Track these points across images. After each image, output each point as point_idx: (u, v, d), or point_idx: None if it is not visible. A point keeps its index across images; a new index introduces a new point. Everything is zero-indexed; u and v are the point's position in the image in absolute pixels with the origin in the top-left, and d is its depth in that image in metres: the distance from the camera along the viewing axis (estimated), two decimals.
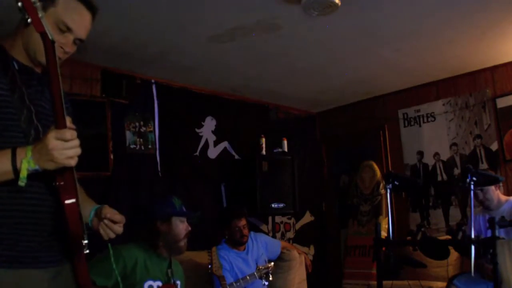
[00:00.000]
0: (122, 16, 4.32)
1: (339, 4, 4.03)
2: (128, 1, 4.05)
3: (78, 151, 1.77)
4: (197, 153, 6.14)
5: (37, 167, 1.75)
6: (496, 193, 4.62)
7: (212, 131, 6.30)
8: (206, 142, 6.23)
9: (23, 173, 1.73)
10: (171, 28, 4.60)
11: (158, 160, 5.67)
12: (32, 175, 1.79)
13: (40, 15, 1.73)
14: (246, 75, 5.98)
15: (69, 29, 2.04)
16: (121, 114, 5.44)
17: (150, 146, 5.62)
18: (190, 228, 3.81)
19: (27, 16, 1.73)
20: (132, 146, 5.49)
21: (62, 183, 1.83)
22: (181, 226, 3.76)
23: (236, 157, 6.51)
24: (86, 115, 5.08)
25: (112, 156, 5.25)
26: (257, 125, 6.74)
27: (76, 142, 1.76)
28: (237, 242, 4.94)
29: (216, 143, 6.33)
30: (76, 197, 1.85)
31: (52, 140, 1.71)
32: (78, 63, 5.15)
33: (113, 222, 2.10)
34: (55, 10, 2.00)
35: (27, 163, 1.73)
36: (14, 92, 1.91)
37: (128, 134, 5.48)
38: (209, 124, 6.29)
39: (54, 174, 1.82)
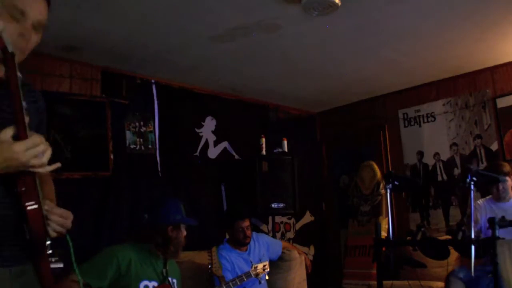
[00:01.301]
0: (122, 16, 4.32)
1: (339, 4, 4.03)
2: (128, 1, 4.06)
3: (47, 155, 1.75)
4: (197, 153, 6.15)
5: None
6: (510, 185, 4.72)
7: (212, 131, 6.31)
8: (206, 142, 6.24)
9: None
10: (171, 28, 4.60)
11: (158, 160, 5.67)
12: None
13: (0, 28, 1.73)
14: (246, 75, 5.98)
15: (23, 14, 1.89)
16: (121, 114, 5.43)
17: (150, 146, 5.63)
18: (184, 233, 3.81)
19: None
20: (132, 146, 5.49)
21: (23, 188, 1.79)
22: (184, 232, 3.78)
23: (236, 157, 6.52)
24: (86, 115, 5.08)
25: (112, 156, 5.24)
26: (257, 125, 6.74)
27: (43, 146, 1.73)
28: (240, 243, 4.92)
29: (216, 143, 6.34)
30: (39, 202, 1.81)
31: (18, 152, 1.68)
32: (78, 63, 5.16)
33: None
34: None
35: None
36: None
37: (128, 134, 5.48)
38: (209, 124, 6.30)
39: (14, 180, 1.78)
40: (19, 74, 1.97)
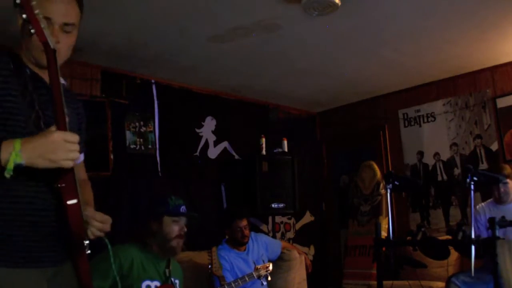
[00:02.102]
0: (122, 16, 4.31)
1: (339, 4, 4.03)
2: (128, 1, 4.05)
3: (77, 155, 1.80)
4: (197, 153, 6.15)
5: (22, 161, 1.74)
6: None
7: (212, 131, 6.31)
8: (206, 142, 6.25)
9: (10, 165, 1.71)
10: (171, 28, 4.60)
11: (158, 160, 5.68)
12: (28, 173, 1.80)
13: (42, 25, 1.80)
14: (246, 75, 5.98)
15: (48, 19, 1.96)
16: (121, 114, 5.44)
17: (150, 146, 5.63)
18: (185, 229, 3.74)
19: (30, 27, 1.80)
20: (132, 146, 5.50)
21: (64, 184, 1.84)
22: (173, 226, 3.68)
23: (236, 157, 6.52)
24: (86, 115, 5.06)
25: (112, 156, 5.26)
26: (257, 125, 6.75)
27: (77, 146, 1.80)
28: (238, 243, 4.92)
29: (216, 143, 6.34)
30: (78, 198, 1.86)
31: (58, 138, 1.75)
32: (78, 63, 5.15)
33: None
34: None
35: (15, 155, 1.72)
36: (24, 98, 1.94)
37: (128, 134, 5.49)
38: (209, 124, 6.30)
39: (53, 175, 1.83)
40: (62, 80, 2.05)
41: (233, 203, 6.09)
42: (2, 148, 1.74)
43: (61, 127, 1.79)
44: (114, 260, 3.41)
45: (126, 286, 3.46)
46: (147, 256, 3.65)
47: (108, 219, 2.14)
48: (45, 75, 2.04)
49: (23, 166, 1.75)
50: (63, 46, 2.06)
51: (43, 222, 1.96)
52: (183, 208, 3.77)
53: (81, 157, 2.43)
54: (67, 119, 1.83)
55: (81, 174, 2.45)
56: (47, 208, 1.95)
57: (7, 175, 1.72)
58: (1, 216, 1.89)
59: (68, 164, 1.78)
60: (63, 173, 1.83)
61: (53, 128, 1.79)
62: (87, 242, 2.02)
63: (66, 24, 2.06)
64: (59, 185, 1.85)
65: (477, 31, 4.91)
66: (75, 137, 1.79)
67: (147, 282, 3.55)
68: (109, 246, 2.15)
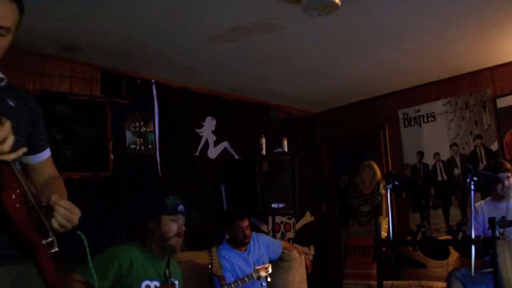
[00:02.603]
0: (122, 16, 4.32)
1: (339, 4, 4.03)
2: (128, 1, 4.05)
3: (9, 141, 1.67)
4: (197, 153, 6.14)
5: None
6: None
7: (212, 131, 6.30)
8: (206, 142, 6.24)
9: None
10: (171, 28, 4.60)
11: (158, 160, 5.67)
12: None
13: None
14: (246, 75, 5.98)
15: None
16: (121, 114, 5.44)
17: (150, 146, 5.63)
18: (184, 228, 3.74)
19: None
20: (132, 146, 5.49)
21: (5, 179, 1.75)
22: (171, 225, 3.67)
23: (236, 157, 6.51)
24: (86, 115, 5.08)
25: (112, 156, 5.24)
26: (257, 125, 6.75)
27: (6, 131, 1.66)
28: (239, 243, 4.93)
29: (216, 143, 6.33)
30: (17, 192, 1.77)
31: None
32: (78, 63, 5.16)
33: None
34: None
35: None
36: None
37: (128, 134, 5.48)
38: (209, 124, 6.29)
39: None
40: (2, 75, 2.05)
41: (234, 203, 6.09)
42: None
43: None
44: (113, 260, 3.46)
45: (125, 286, 3.48)
46: (146, 256, 3.65)
47: (75, 209, 2.00)
48: None
49: None
50: None
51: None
52: (181, 207, 3.77)
53: (46, 153, 2.34)
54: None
55: (49, 170, 2.36)
56: None
57: None
58: None
59: (7, 158, 1.69)
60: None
61: None
62: (50, 239, 1.94)
63: (0, 27, 1.94)
64: (2, 180, 1.75)
65: (477, 31, 4.90)
66: None
67: (147, 282, 3.56)
68: (85, 242, 2.06)
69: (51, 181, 2.30)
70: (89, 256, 2.12)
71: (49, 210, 1.95)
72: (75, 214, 2.00)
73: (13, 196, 1.75)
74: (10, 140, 1.67)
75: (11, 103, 2.07)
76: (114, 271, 3.45)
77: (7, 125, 1.66)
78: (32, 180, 2.28)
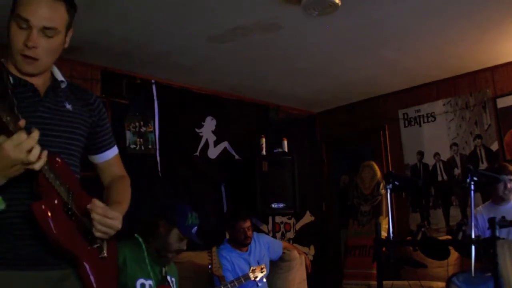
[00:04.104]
0: (122, 16, 4.32)
1: (339, 4, 4.02)
2: (128, 1, 4.05)
3: (36, 151, 1.71)
4: (197, 153, 6.13)
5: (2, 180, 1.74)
6: None
7: (212, 131, 6.29)
8: (206, 142, 6.23)
9: None
10: (171, 28, 4.60)
11: (158, 160, 5.66)
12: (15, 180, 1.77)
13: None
14: (247, 75, 5.99)
15: (26, 21, 1.91)
16: (121, 114, 5.44)
17: (150, 146, 5.62)
18: (184, 248, 3.69)
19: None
20: (132, 146, 5.48)
21: (41, 188, 1.80)
22: (178, 241, 3.62)
23: (236, 157, 6.50)
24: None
25: None
26: (257, 125, 6.74)
27: (33, 142, 1.71)
28: (241, 243, 4.93)
29: (216, 143, 6.32)
30: (53, 201, 1.80)
31: (7, 149, 1.67)
32: (78, 63, 5.15)
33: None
34: (15, 7, 1.96)
35: None
36: (3, 102, 1.84)
37: (128, 134, 5.48)
38: (209, 124, 6.28)
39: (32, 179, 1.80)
40: (61, 77, 2.11)
41: (234, 204, 6.10)
42: None
43: (9, 133, 1.68)
44: None
45: (119, 283, 3.42)
46: (142, 254, 3.60)
47: (111, 213, 2.02)
48: (32, 80, 2.03)
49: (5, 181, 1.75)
50: (42, 51, 1.98)
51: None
52: (195, 230, 3.71)
53: (111, 152, 2.41)
54: (22, 123, 1.72)
55: (116, 169, 2.43)
56: None
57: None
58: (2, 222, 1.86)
59: (35, 167, 1.73)
60: (34, 177, 1.79)
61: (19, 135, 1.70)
62: (97, 245, 1.97)
63: (46, 28, 1.95)
64: (37, 190, 1.80)
65: (478, 31, 4.91)
66: (21, 137, 1.68)
67: (141, 281, 3.52)
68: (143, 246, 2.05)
69: (115, 182, 2.35)
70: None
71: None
72: (113, 218, 2.01)
73: (43, 207, 1.76)
74: (36, 150, 1.71)
75: (68, 107, 2.10)
76: None
77: (35, 134, 1.70)
78: (100, 179, 2.39)
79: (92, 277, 1.96)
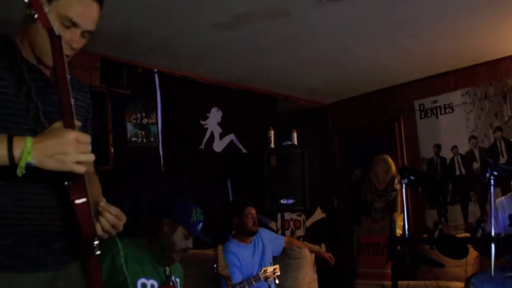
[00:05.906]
0: (123, 1, 4.24)
1: None
2: None
3: (88, 157, 1.73)
4: (202, 146, 6.12)
5: (33, 161, 1.67)
6: None
7: (218, 123, 6.27)
8: (212, 134, 6.20)
9: (22, 163, 1.65)
10: (175, 14, 4.55)
11: (161, 153, 5.65)
12: (34, 172, 1.72)
13: (46, 10, 1.71)
14: (254, 64, 5.95)
15: (74, 24, 1.93)
16: (121, 105, 5.41)
17: (152, 139, 5.61)
18: (191, 246, 3.67)
19: (33, 12, 1.71)
20: (133, 139, 5.46)
21: (72, 182, 1.78)
22: (183, 240, 3.60)
23: (243, 150, 6.50)
24: None
25: (112, 150, 5.22)
26: (265, 117, 6.70)
27: (89, 147, 1.74)
28: (248, 231, 4.95)
29: (222, 136, 6.30)
30: (87, 196, 1.80)
31: (71, 138, 1.68)
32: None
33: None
34: (57, 4, 1.91)
35: (27, 154, 1.65)
36: (20, 90, 1.87)
37: (129, 126, 5.46)
38: (215, 115, 6.25)
39: (61, 174, 1.76)
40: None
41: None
42: (14, 145, 1.67)
43: (68, 124, 1.71)
44: (107, 255, 3.33)
45: (119, 282, 3.35)
46: (143, 253, 3.57)
47: (123, 216, 2.05)
48: (45, 69, 2.03)
49: (32, 165, 1.69)
50: (75, 52, 2.04)
51: (49, 224, 1.91)
52: (200, 226, 3.68)
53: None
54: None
55: (89, 167, 2.35)
56: (53, 210, 1.91)
57: (20, 173, 1.66)
58: (3, 220, 1.84)
59: (80, 169, 1.71)
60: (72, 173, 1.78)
61: (57, 124, 1.72)
62: (96, 242, 1.95)
63: (88, 32, 2.01)
64: (68, 183, 1.77)
65: (497, 18, 4.84)
66: (87, 138, 1.72)
67: (143, 280, 3.47)
68: (120, 246, 2.20)
69: (91, 178, 2.29)
70: (122, 260, 2.50)
71: (96, 215, 2.01)
72: (122, 220, 2.06)
73: (84, 201, 1.80)
74: (91, 156, 1.75)
75: (72, 100, 2.09)
76: (108, 266, 3.33)
77: (88, 139, 1.75)
78: None
79: (97, 266, 2.02)
